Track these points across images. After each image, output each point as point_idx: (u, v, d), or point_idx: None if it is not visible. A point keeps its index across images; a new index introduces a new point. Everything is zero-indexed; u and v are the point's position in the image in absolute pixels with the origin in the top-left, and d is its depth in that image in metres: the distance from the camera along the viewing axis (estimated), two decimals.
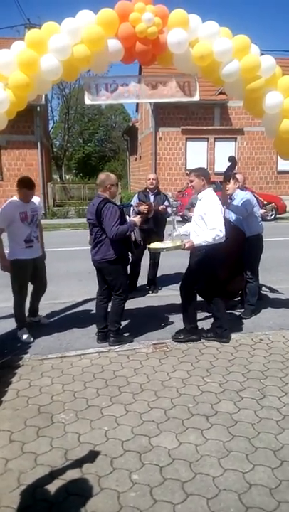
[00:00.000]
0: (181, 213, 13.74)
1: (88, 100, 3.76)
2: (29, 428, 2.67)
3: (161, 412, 2.81)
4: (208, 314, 4.42)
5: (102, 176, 3.85)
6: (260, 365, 3.46)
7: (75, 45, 3.22)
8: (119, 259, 3.79)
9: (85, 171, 34.79)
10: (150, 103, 16.16)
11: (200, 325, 4.16)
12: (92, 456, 2.37)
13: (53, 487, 2.15)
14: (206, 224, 3.63)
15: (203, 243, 3.53)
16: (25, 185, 3.92)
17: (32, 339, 4.11)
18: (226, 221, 4.01)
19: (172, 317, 4.70)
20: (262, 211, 4.88)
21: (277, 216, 14.29)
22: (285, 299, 5.27)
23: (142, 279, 5.83)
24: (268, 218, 13.53)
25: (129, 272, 4.63)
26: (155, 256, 5.51)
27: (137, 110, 25.35)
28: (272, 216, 13.96)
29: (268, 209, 12.24)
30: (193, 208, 4.18)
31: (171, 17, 3.37)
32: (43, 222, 4.98)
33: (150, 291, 5.74)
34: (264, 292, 5.45)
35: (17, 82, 3.17)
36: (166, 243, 3.89)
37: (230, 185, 4.50)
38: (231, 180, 4.49)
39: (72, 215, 16.15)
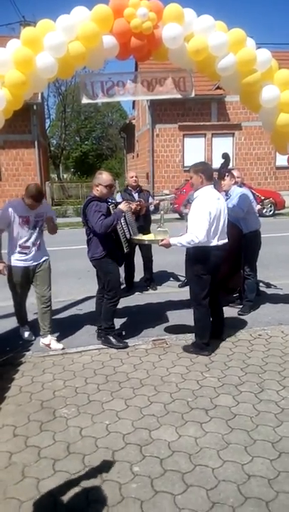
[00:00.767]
0: (175, 206, 13.68)
1: (84, 99, 3.77)
2: (32, 423, 2.71)
3: (161, 406, 2.84)
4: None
5: (96, 174, 3.89)
6: (259, 360, 3.48)
7: (71, 42, 3.22)
8: (108, 257, 3.74)
9: (83, 170, 34.53)
10: (146, 100, 16.06)
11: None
12: (93, 450, 2.40)
13: (56, 479, 2.18)
14: None
15: (178, 244, 3.49)
16: (32, 197, 3.66)
17: (33, 337, 4.13)
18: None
19: (170, 313, 4.72)
20: (258, 207, 4.89)
21: (276, 212, 14.24)
22: (283, 294, 5.29)
23: (139, 276, 5.85)
24: (267, 214, 13.59)
25: (124, 271, 4.62)
26: (147, 253, 5.53)
27: (133, 107, 25.19)
28: (271, 212, 13.95)
29: (265, 204, 12.24)
30: (189, 204, 4.19)
31: (165, 12, 3.34)
32: None
33: (148, 288, 5.76)
34: (262, 288, 5.47)
35: (13, 80, 3.17)
36: (150, 236, 4.05)
37: (226, 182, 4.50)
38: (227, 177, 4.49)
39: (70, 214, 16.12)
